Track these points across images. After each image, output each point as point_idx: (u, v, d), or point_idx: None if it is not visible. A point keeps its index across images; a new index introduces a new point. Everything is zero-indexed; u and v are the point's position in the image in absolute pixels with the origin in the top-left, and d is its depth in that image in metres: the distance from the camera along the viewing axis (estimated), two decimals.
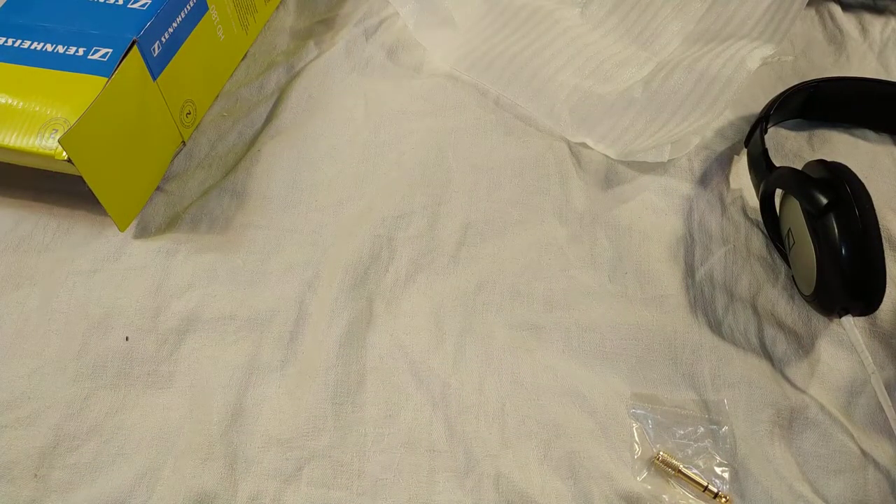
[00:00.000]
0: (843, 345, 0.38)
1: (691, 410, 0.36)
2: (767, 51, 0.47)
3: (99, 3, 0.41)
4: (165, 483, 0.34)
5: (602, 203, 0.43)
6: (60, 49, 0.40)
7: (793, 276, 0.39)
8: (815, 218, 0.35)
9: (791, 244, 0.38)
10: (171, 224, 0.42)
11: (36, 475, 0.34)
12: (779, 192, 0.40)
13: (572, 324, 0.38)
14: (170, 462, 0.34)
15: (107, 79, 0.38)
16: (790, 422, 0.35)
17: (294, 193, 0.43)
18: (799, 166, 0.38)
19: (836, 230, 0.34)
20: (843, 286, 0.34)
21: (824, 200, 0.35)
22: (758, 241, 0.41)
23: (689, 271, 0.40)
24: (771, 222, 0.40)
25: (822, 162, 0.37)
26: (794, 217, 0.37)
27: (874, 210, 0.34)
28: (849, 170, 0.36)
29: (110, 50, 0.39)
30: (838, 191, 0.35)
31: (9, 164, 0.40)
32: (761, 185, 0.40)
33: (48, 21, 0.41)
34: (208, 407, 0.36)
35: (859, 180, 0.35)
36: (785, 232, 0.39)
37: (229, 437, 0.35)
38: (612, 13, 0.52)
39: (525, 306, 0.39)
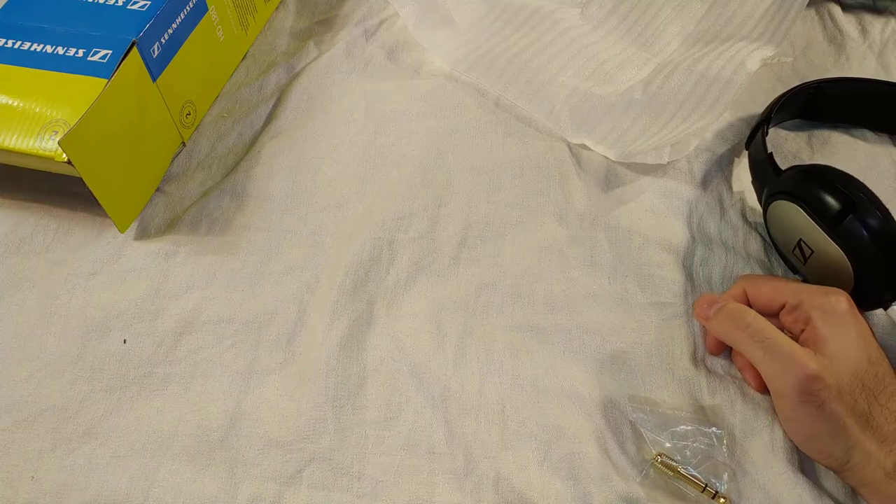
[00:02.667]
0: None
1: (690, 412, 0.36)
2: (767, 52, 0.47)
3: (98, 5, 0.41)
4: (161, 486, 0.34)
5: (602, 205, 0.43)
6: (60, 50, 0.40)
7: (806, 282, 0.39)
8: (835, 223, 0.35)
9: (809, 254, 0.37)
10: (170, 225, 0.42)
11: (33, 477, 0.34)
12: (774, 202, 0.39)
13: (573, 326, 0.38)
14: (166, 465, 0.34)
15: (106, 80, 0.38)
16: None
17: (294, 195, 0.43)
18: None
19: (863, 230, 0.34)
20: (885, 281, 0.35)
21: (839, 205, 0.35)
22: (756, 243, 0.41)
23: (689, 273, 0.40)
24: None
25: (805, 168, 0.37)
26: (802, 227, 0.37)
27: (879, 198, 0.35)
28: (831, 168, 0.36)
29: (110, 51, 0.39)
30: (847, 194, 0.35)
31: (9, 165, 0.40)
32: (765, 192, 0.39)
33: (48, 22, 0.41)
34: (206, 409, 0.36)
35: (846, 174, 0.35)
36: (793, 243, 0.38)
37: (228, 439, 0.35)
38: (612, 14, 0.51)
39: (525, 308, 0.39)
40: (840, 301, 0.33)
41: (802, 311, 0.34)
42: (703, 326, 0.37)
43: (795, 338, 0.34)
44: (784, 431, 0.34)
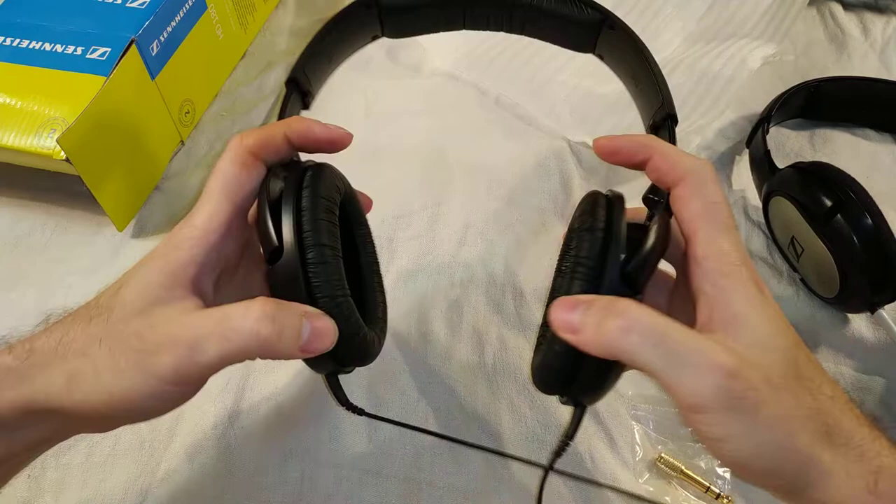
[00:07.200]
0: (844, 344, 0.37)
1: None
2: (769, 50, 0.46)
3: (98, 2, 0.41)
4: (161, 484, 0.34)
5: None
6: (59, 48, 0.40)
7: (803, 280, 0.39)
8: (823, 222, 0.35)
9: (800, 251, 0.37)
10: (169, 223, 0.42)
11: (29, 475, 0.34)
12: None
13: None
14: (164, 463, 0.34)
15: (105, 78, 0.38)
16: None
17: None
18: None
19: (849, 231, 0.34)
20: (871, 283, 0.34)
21: (827, 204, 0.34)
22: (759, 241, 0.41)
23: None
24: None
25: (803, 166, 0.37)
26: (795, 224, 0.37)
27: (872, 199, 0.34)
28: (829, 165, 0.36)
29: (109, 49, 0.39)
30: (836, 193, 0.34)
31: (7, 163, 0.40)
32: (763, 188, 0.39)
33: (47, 20, 0.41)
34: (204, 407, 0.36)
35: (842, 174, 0.35)
36: (788, 240, 0.38)
37: (227, 437, 0.35)
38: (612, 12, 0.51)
39: (526, 306, 0.39)
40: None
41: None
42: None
43: None
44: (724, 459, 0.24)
